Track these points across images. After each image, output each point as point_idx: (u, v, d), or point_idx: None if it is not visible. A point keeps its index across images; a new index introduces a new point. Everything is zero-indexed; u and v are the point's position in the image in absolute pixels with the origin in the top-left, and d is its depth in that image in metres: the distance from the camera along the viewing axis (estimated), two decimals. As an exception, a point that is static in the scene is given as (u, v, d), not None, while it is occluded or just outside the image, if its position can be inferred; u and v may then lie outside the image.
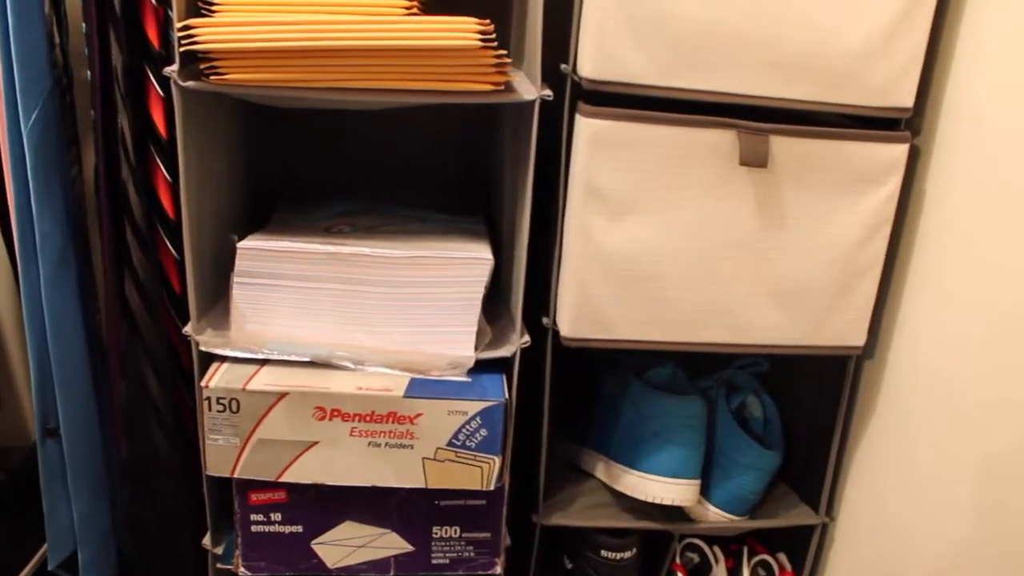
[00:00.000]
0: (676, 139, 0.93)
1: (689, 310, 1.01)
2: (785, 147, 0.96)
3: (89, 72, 1.05)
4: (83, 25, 1.03)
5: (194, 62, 0.91)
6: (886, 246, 1.03)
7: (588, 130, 0.93)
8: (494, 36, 0.88)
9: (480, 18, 0.88)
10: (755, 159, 0.94)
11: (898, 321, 1.07)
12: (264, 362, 0.98)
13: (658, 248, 0.97)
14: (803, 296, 1.02)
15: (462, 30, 0.87)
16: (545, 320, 1.04)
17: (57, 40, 1.08)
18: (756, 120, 0.95)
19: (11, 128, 1.02)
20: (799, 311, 1.03)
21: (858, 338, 1.06)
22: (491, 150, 1.29)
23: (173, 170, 1.02)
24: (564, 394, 1.19)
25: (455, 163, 1.34)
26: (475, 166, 1.34)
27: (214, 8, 0.90)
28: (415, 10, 0.90)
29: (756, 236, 0.99)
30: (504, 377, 1.00)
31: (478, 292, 0.98)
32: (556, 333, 1.03)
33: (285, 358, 0.97)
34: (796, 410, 1.22)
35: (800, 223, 0.99)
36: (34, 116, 1.02)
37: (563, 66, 0.95)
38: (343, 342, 0.99)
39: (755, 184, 0.96)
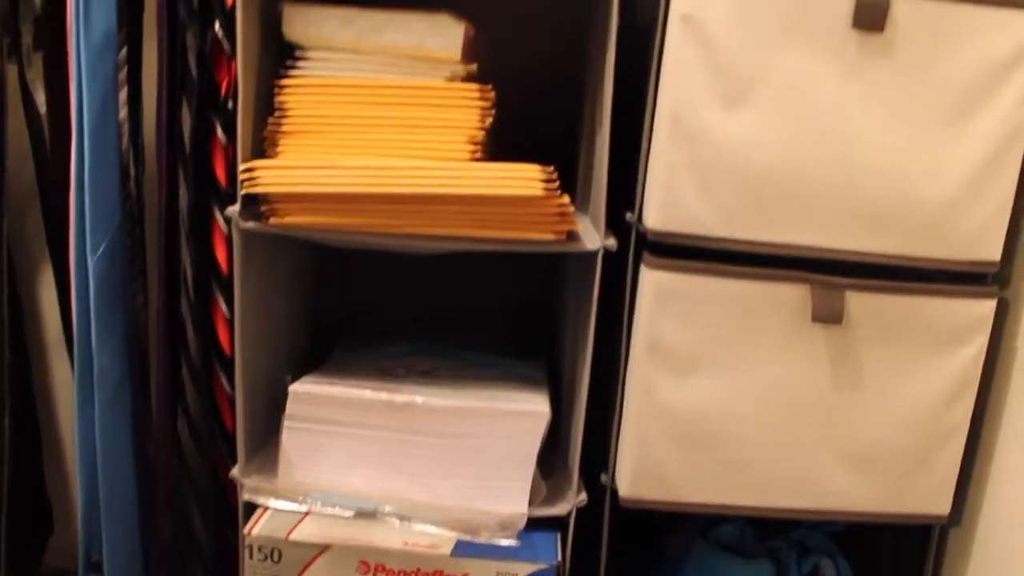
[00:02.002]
0: (745, 293, 0.90)
1: (759, 473, 0.95)
2: (861, 302, 0.91)
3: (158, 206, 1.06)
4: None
5: (257, 203, 0.91)
6: (972, 408, 0.96)
7: (653, 282, 0.89)
8: (558, 185, 0.86)
9: (545, 163, 0.87)
10: (829, 315, 0.89)
11: (988, 488, 0.99)
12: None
13: (726, 407, 0.92)
14: (882, 460, 0.95)
15: (525, 179, 0.85)
16: (604, 477, 0.99)
17: (132, 172, 1.09)
18: (830, 272, 0.90)
19: (78, 260, 1.03)
20: (878, 476, 0.96)
21: (942, 506, 0.99)
22: (555, 292, 1.26)
23: (233, 307, 1.01)
24: (622, 547, 1.12)
25: (518, 303, 1.32)
26: (538, 307, 1.31)
27: (278, 150, 0.91)
28: (478, 155, 0.89)
29: (831, 396, 0.93)
30: (558, 536, 0.94)
31: (533, 447, 0.94)
32: (615, 491, 0.97)
33: (329, 512, 0.93)
34: (873, 576, 1.14)
35: (878, 383, 0.93)
36: (101, 249, 1.02)
37: (628, 215, 0.92)
38: (392, 493, 0.95)
39: (829, 341, 0.91)
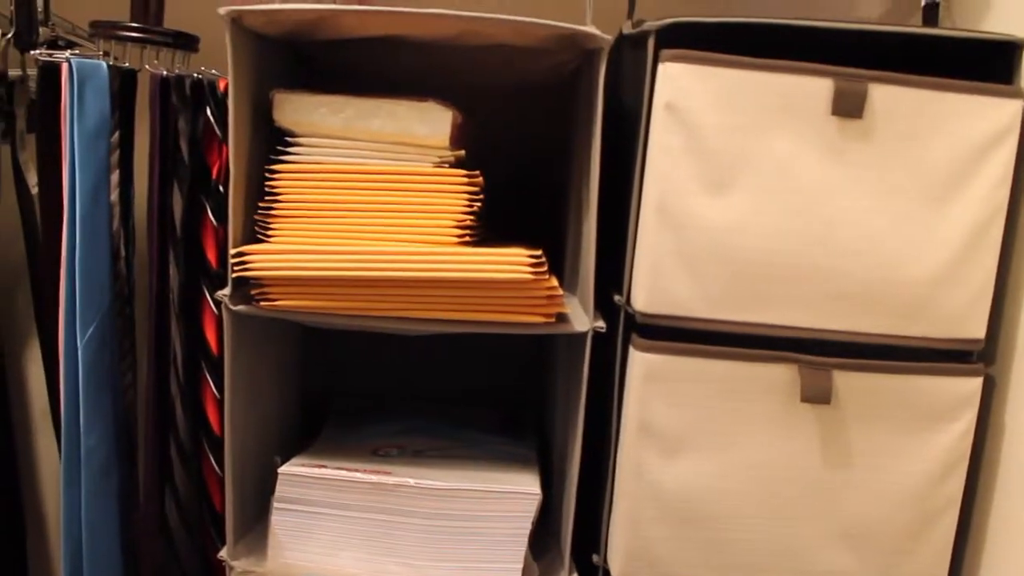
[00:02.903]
0: (734, 374, 0.90)
1: (751, 553, 0.94)
2: (849, 382, 0.91)
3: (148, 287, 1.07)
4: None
5: (247, 285, 0.91)
6: (963, 485, 0.96)
7: (642, 364, 0.90)
8: (546, 268, 0.87)
9: (535, 247, 0.88)
10: (817, 395, 0.90)
11: (983, 564, 0.98)
12: (299, 593, 0.94)
13: (717, 487, 0.92)
14: (874, 538, 0.95)
15: (514, 263, 0.86)
16: (596, 558, 0.98)
17: (123, 253, 1.10)
18: (818, 352, 0.91)
19: (67, 340, 1.03)
20: (870, 554, 0.96)
21: (936, 583, 0.98)
22: (544, 371, 1.27)
23: (222, 387, 1.01)
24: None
25: (509, 380, 1.32)
26: (528, 386, 1.32)
27: (269, 234, 0.92)
28: (466, 239, 0.90)
29: (821, 475, 0.93)
30: (550, 618, 0.94)
31: (525, 528, 0.93)
32: (607, 572, 0.97)
33: (319, 595, 0.93)
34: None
35: (868, 461, 0.93)
36: (90, 332, 1.03)
37: (616, 297, 0.93)
38: (382, 575, 0.95)
39: (818, 420, 0.92)
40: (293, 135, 0.93)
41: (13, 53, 1.09)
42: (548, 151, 1.21)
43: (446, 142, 0.91)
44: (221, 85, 1.03)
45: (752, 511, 0.93)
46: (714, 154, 0.87)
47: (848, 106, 0.86)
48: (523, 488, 0.94)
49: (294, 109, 0.93)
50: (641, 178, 0.90)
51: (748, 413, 0.91)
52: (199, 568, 1.09)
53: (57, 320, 1.04)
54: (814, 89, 0.87)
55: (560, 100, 1.16)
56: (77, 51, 1.05)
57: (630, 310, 0.92)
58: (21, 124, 1.14)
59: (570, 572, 0.95)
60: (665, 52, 0.87)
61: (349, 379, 1.32)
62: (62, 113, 1.01)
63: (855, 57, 0.88)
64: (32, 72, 1.08)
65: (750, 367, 0.90)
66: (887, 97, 0.87)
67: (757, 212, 0.88)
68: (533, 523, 0.94)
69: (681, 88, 0.87)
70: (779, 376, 0.91)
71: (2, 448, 1.21)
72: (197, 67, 1.08)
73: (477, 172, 0.92)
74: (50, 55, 1.03)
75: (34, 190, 1.14)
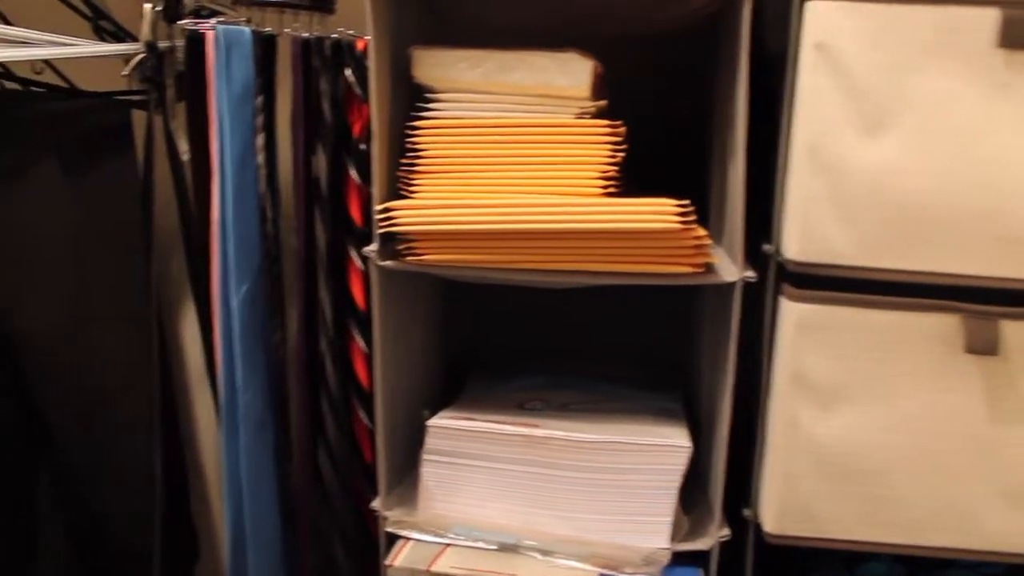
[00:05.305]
0: (891, 323, 0.87)
1: (913, 510, 0.91)
2: (1018, 332, 0.86)
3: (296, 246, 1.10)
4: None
5: (393, 241, 0.93)
6: None
7: (794, 314, 0.88)
8: (693, 218, 0.86)
9: (679, 197, 0.86)
10: (983, 346, 0.86)
11: None
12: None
13: (874, 440, 0.89)
14: (1048, 498, 0.90)
15: (661, 212, 0.85)
16: (747, 512, 0.97)
17: (269, 214, 1.13)
18: (982, 301, 0.87)
19: (223, 301, 1.07)
20: (1041, 514, 0.91)
21: (1116, 546, 0.93)
22: (691, 325, 1.25)
23: (370, 342, 1.04)
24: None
25: (653, 336, 1.30)
26: (674, 340, 1.30)
27: (413, 190, 0.93)
28: (611, 190, 0.89)
29: (988, 430, 0.89)
30: (701, 572, 0.93)
31: (675, 480, 0.93)
32: (759, 526, 0.95)
33: (471, 544, 0.94)
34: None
35: (1038, 416, 0.88)
36: (243, 291, 1.07)
37: (766, 246, 0.91)
38: (531, 526, 0.96)
39: (984, 373, 0.87)
40: (433, 91, 0.94)
41: (161, 25, 1.13)
42: (687, 98, 1.18)
43: (587, 92, 0.90)
44: (359, 45, 1.05)
45: (912, 467, 0.90)
46: (867, 94, 0.83)
47: (1018, 36, 0.81)
48: (672, 441, 0.94)
49: (433, 65, 0.93)
50: (790, 121, 0.86)
51: (908, 364, 0.88)
52: (353, 517, 1.12)
53: (211, 279, 1.08)
54: (977, 20, 0.81)
55: (697, 45, 1.13)
56: (221, 19, 1.08)
57: (780, 259, 0.89)
58: (170, 93, 1.18)
59: (720, 526, 0.94)
60: (814, -10, 0.83)
61: (491, 333, 1.32)
62: (209, 80, 1.04)
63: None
64: (179, 43, 1.12)
65: (909, 316, 0.87)
66: (1062, 23, 0.81)
67: (915, 153, 0.84)
68: (683, 476, 0.93)
69: (831, 27, 0.83)
70: (940, 326, 0.87)
71: (165, 406, 1.27)
72: (333, 28, 1.09)
73: (619, 122, 0.90)
74: (196, 24, 1.06)
75: (184, 157, 1.18)
